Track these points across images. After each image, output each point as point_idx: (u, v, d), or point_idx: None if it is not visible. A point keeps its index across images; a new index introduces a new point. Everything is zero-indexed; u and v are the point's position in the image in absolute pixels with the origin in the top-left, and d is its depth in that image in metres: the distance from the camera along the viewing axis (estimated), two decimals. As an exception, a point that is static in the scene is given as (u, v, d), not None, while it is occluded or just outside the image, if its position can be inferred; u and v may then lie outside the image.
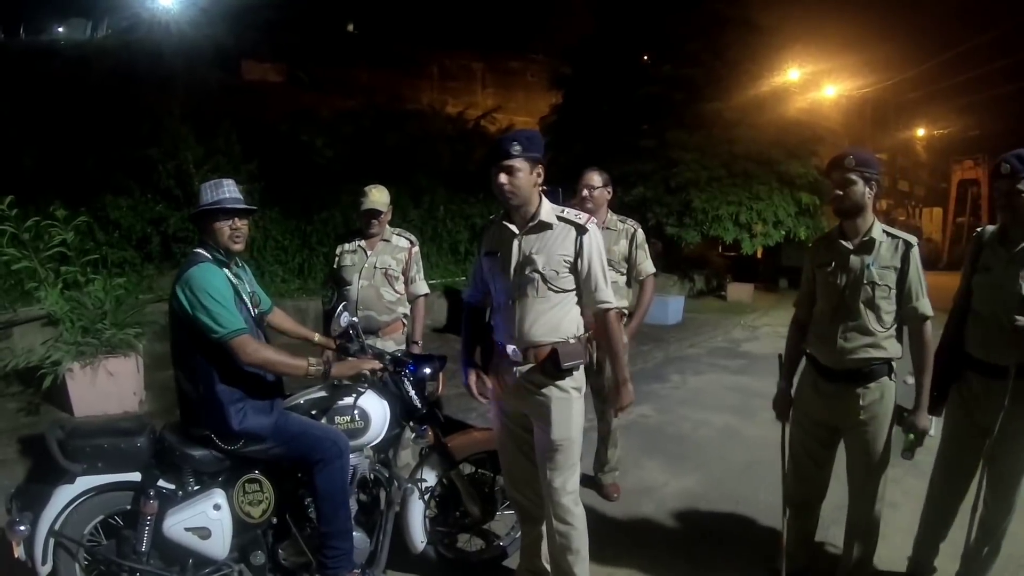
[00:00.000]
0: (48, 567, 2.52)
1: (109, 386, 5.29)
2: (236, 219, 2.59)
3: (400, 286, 3.92)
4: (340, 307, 2.92)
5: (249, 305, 2.64)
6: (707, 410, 6.13)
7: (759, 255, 15.18)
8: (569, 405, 2.60)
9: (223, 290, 2.47)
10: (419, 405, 2.85)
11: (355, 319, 2.90)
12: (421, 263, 4.05)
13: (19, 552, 2.50)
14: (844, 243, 2.79)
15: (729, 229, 12.75)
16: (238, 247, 2.62)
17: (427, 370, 2.94)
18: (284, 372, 2.57)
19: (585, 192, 3.86)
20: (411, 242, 3.99)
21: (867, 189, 2.71)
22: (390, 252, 3.89)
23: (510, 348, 2.64)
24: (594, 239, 2.57)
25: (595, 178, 3.88)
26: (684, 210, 12.86)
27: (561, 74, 15.73)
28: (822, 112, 15.93)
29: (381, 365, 2.75)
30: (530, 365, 2.61)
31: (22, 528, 2.46)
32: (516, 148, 2.47)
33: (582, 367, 2.63)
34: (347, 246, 3.91)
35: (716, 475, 4.59)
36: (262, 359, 2.48)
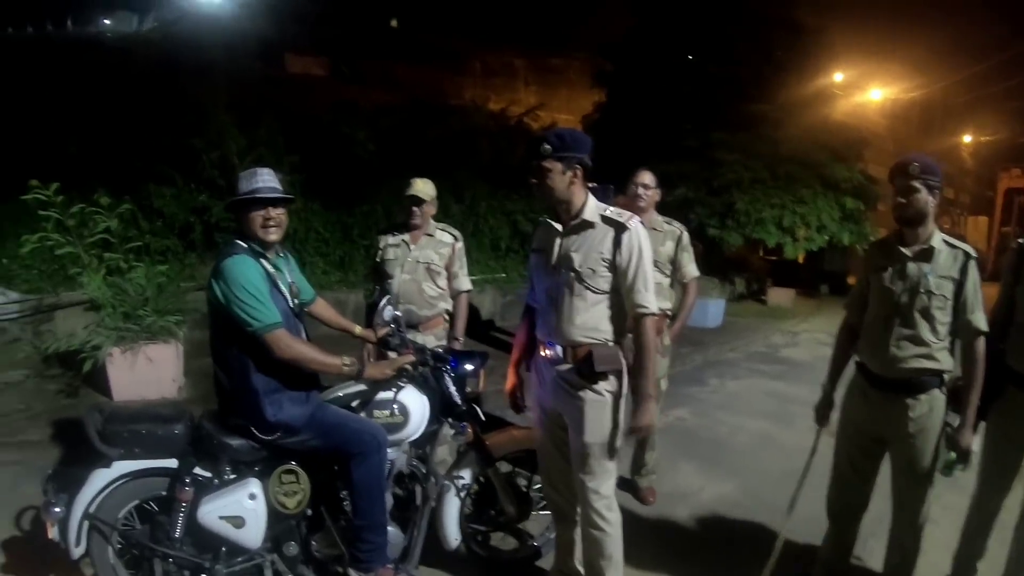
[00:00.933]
0: (81, 549, 2.54)
1: (148, 372, 5.36)
2: (270, 208, 2.52)
3: (443, 281, 3.89)
4: (384, 300, 2.87)
5: (288, 295, 2.60)
6: (744, 415, 6.02)
7: (800, 259, 14.88)
8: (603, 409, 2.52)
9: (257, 282, 2.42)
10: (459, 402, 2.80)
11: (398, 312, 2.86)
12: (464, 259, 4.01)
13: (53, 533, 2.52)
14: (903, 249, 2.68)
15: (772, 232, 12.48)
16: (272, 237, 2.54)
17: (468, 367, 2.88)
18: (318, 369, 2.52)
19: (639, 191, 3.79)
20: (455, 237, 3.95)
21: (930, 198, 2.60)
22: (433, 247, 3.85)
23: (549, 345, 2.60)
24: (636, 238, 2.48)
25: (648, 178, 3.82)
26: (726, 212, 12.61)
27: (603, 72, 15.58)
28: (867, 115, 15.58)
29: (414, 359, 2.70)
30: (568, 365, 2.55)
31: (57, 510, 2.48)
32: (546, 149, 2.43)
33: (624, 371, 2.56)
34: (390, 239, 3.88)
35: (752, 482, 4.49)
36: (296, 354, 2.43)
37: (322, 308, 3.04)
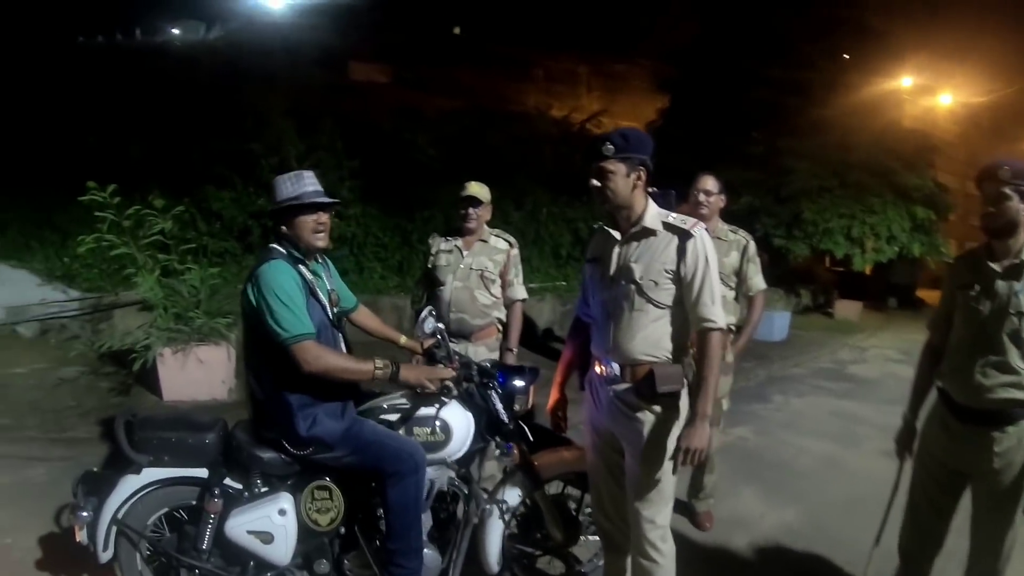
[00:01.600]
0: (109, 554, 2.47)
1: (198, 373, 5.35)
2: (321, 213, 2.42)
3: (496, 289, 3.70)
4: (424, 311, 2.67)
5: (327, 303, 2.46)
6: (809, 436, 5.70)
7: (867, 271, 14.32)
8: (664, 432, 2.30)
9: (291, 291, 2.29)
10: (506, 420, 2.60)
11: (440, 325, 2.65)
12: (520, 267, 3.82)
13: (81, 536, 2.46)
14: (991, 264, 2.36)
15: (840, 243, 12.05)
16: (322, 244, 2.44)
17: (517, 383, 2.67)
18: (350, 379, 2.37)
19: (701, 197, 3.54)
20: (510, 244, 3.76)
21: (1022, 205, 2.28)
22: (487, 253, 3.67)
23: (605, 363, 2.39)
24: (701, 246, 2.26)
25: (711, 183, 3.57)
26: (793, 221, 12.25)
27: (667, 77, 15.32)
28: (936, 122, 14.98)
29: (455, 375, 2.51)
30: (626, 384, 2.34)
31: (84, 514, 2.42)
32: (609, 148, 2.24)
33: (685, 393, 2.33)
34: (443, 244, 3.72)
35: (815, 510, 4.19)
36: (324, 366, 2.27)
37: (365, 316, 2.90)
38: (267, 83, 10.84)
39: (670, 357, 2.30)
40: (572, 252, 11.15)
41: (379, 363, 2.35)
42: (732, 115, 13.16)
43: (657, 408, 2.29)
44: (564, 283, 10.39)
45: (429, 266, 3.75)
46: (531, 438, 2.70)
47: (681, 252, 2.26)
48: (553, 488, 2.88)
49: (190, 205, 8.50)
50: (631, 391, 2.32)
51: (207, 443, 2.45)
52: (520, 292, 3.77)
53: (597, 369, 2.45)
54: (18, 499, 3.88)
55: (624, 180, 2.26)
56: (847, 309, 13.61)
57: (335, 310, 2.54)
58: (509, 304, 3.77)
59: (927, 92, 16.06)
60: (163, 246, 5.78)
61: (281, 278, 2.30)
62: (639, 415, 2.30)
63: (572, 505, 2.92)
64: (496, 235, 3.75)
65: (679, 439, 2.23)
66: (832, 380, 8.18)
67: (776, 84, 12.82)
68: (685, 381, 2.32)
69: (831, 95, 12.73)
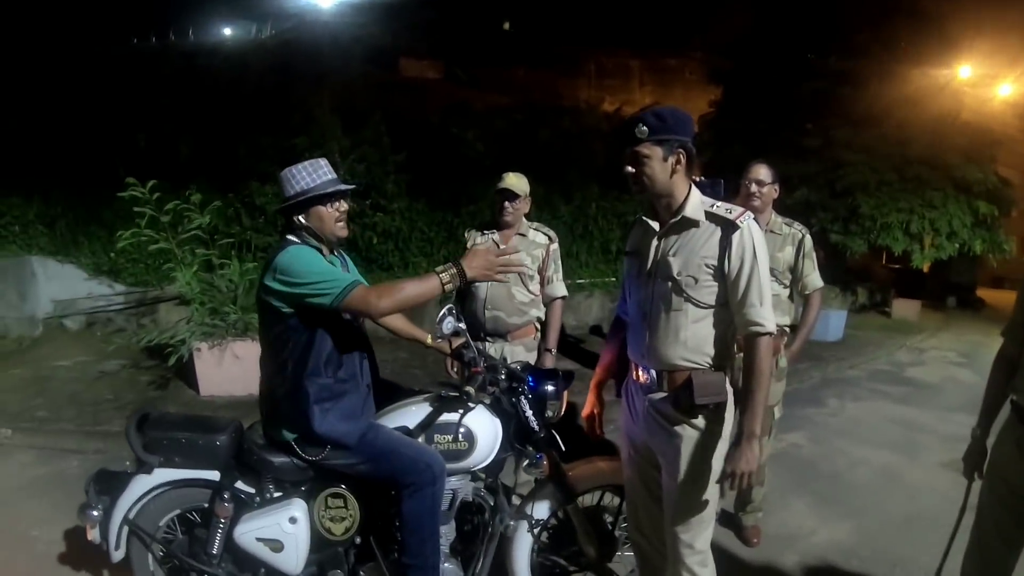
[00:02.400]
0: (121, 553, 2.43)
1: (234, 368, 5.31)
2: (342, 201, 2.32)
3: (535, 286, 3.50)
4: (444, 310, 2.39)
5: None
6: (865, 445, 5.35)
7: (925, 269, 13.72)
8: (706, 450, 2.07)
9: (320, 262, 2.19)
10: (536, 428, 2.41)
11: (461, 324, 2.38)
12: (560, 262, 3.61)
13: (92, 535, 2.42)
14: None
15: (899, 239, 11.52)
16: (345, 233, 2.35)
17: (549, 387, 2.47)
18: (421, 299, 2.17)
19: (753, 188, 3.26)
20: (550, 238, 3.56)
21: None
22: (526, 248, 3.47)
23: (642, 368, 2.17)
24: (749, 239, 2.01)
25: (763, 172, 3.28)
26: (850, 216, 11.73)
27: (720, 69, 14.94)
28: (996, 114, 14.28)
29: (523, 267, 2.37)
30: (662, 393, 2.12)
31: (94, 513, 2.38)
32: (642, 130, 1.99)
33: (731, 404, 2.10)
34: (479, 238, 3.53)
35: (871, 527, 3.89)
36: (392, 301, 2.11)
37: (389, 316, 2.73)
38: (316, 81, 10.91)
39: (712, 364, 2.07)
40: (621, 247, 10.76)
41: (443, 273, 2.14)
42: (786, 107, 12.68)
43: (697, 422, 2.06)
44: (613, 279, 10.18)
45: None
46: (563, 447, 2.49)
47: (725, 245, 2.01)
48: (589, 496, 2.68)
49: (235, 200, 8.57)
50: (668, 401, 2.09)
51: (218, 445, 2.34)
52: (560, 289, 3.57)
53: (633, 375, 2.23)
54: (50, 491, 3.91)
55: (661, 165, 2.02)
56: (905, 308, 13.01)
57: None
58: (548, 302, 3.57)
59: (986, 82, 15.35)
60: (206, 241, 5.78)
61: (307, 254, 2.19)
62: (677, 429, 2.08)
63: (608, 518, 2.70)
64: (536, 229, 3.55)
65: (725, 461, 2.01)
66: (890, 384, 7.76)
67: (831, 75, 12.35)
68: (729, 391, 2.09)
69: (887, 85, 12.16)
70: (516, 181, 3.40)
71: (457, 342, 2.68)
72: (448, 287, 2.13)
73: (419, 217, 9.68)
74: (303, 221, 2.30)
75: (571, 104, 16.20)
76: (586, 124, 13.79)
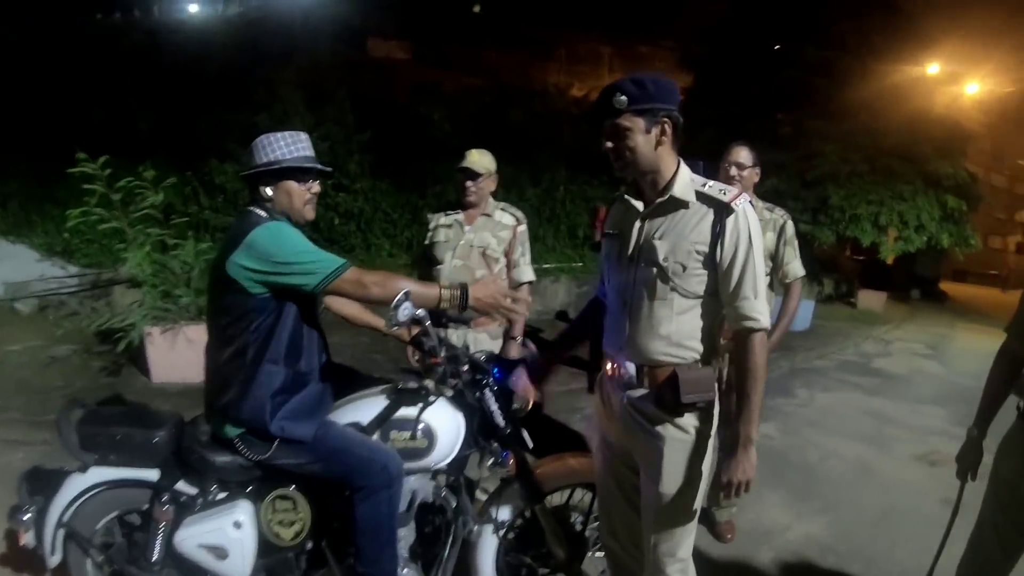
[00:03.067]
0: (57, 558, 2.23)
1: (188, 353, 5.07)
2: (315, 182, 2.17)
3: (500, 270, 3.31)
4: (400, 294, 2.01)
5: None
6: (837, 436, 5.32)
7: (890, 261, 13.90)
8: (688, 451, 1.90)
9: (306, 240, 2.03)
10: (502, 423, 2.23)
11: (420, 312, 2.05)
12: (528, 245, 3.41)
13: (25, 540, 2.23)
14: None
15: (867, 231, 11.64)
16: (312, 216, 2.20)
17: (516, 379, 2.26)
18: (416, 297, 1.99)
19: (733, 171, 3.11)
20: (517, 220, 3.34)
21: None
22: (491, 229, 3.27)
23: (619, 362, 1.98)
24: (744, 225, 1.81)
25: (744, 155, 3.13)
26: (820, 206, 11.84)
27: (693, 55, 14.88)
28: (963, 110, 14.56)
29: (523, 306, 2.23)
30: (643, 390, 1.93)
31: (25, 517, 2.18)
32: (620, 100, 1.78)
33: (717, 402, 1.93)
34: (443, 219, 3.32)
35: (846, 522, 3.82)
36: (386, 292, 1.95)
37: (342, 302, 2.53)
38: (282, 59, 10.69)
39: (699, 358, 1.90)
40: (589, 232, 10.91)
41: (445, 289, 2.05)
42: (759, 95, 12.73)
43: (682, 422, 1.89)
44: (580, 264, 10.15)
45: (426, 242, 3.38)
46: (531, 444, 2.32)
47: (718, 230, 1.81)
48: (558, 494, 2.50)
49: (193, 178, 8.30)
50: (649, 399, 1.91)
51: (156, 442, 2.12)
52: (527, 273, 3.37)
53: (609, 369, 2.05)
54: (-9, 485, 3.66)
55: (644, 137, 1.81)
56: (871, 299, 13.24)
57: None
58: (515, 287, 3.35)
59: (957, 79, 15.60)
60: (160, 220, 5.53)
61: (289, 231, 2.03)
62: (659, 430, 1.89)
63: (578, 518, 2.53)
64: (502, 209, 3.34)
65: (720, 470, 1.86)
66: (858, 375, 7.82)
67: (806, 64, 12.39)
68: (717, 388, 1.92)
69: (861, 78, 12.27)
70: (478, 158, 3.19)
71: (416, 329, 2.47)
72: (445, 305, 2.02)
73: (383, 198, 9.56)
74: (268, 193, 2.10)
75: (541, 88, 16.08)
76: (556, 107, 13.81)
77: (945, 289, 19.08)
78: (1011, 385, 2.15)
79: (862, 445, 5.16)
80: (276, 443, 2.04)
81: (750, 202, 1.87)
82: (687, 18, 19.86)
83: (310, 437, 2.05)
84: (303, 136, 2.15)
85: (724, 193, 1.84)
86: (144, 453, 2.14)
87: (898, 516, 3.86)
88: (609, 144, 1.86)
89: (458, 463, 2.30)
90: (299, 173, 2.11)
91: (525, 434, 2.31)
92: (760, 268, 1.83)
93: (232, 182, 8.47)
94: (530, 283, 3.39)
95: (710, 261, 1.83)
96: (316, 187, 2.16)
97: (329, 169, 2.22)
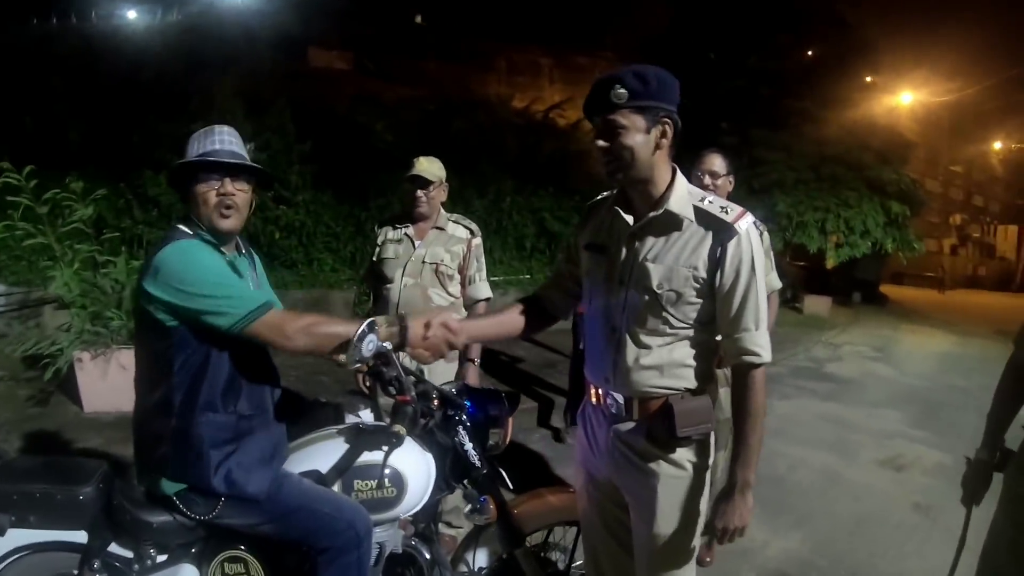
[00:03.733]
0: None
1: (121, 380, 4.72)
2: (228, 181, 1.77)
3: (455, 287, 3.09)
4: (364, 326, 1.70)
5: None
6: (801, 445, 5.29)
7: (829, 266, 14.21)
8: (685, 489, 1.73)
9: (220, 267, 1.73)
10: (478, 464, 1.99)
11: (386, 345, 1.79)
12: (483, 259, 3.21)
13: None
14: None
15: (814, 237, 11.85)
16: (227, 224, 1.80)
17: (492, 412, 2.06)
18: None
19: (707, 180, 2.92)
20: (471, 232, 3.14)
21: None
22: (444, 243, 3.05)
23: (604, 393, 1.80)
24: (747, 249, 1.63)
25: (718, 163, 2.96)
26: (767, 215, 11.88)
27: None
28: (899, 119, 15.15)
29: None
30: (632, 424, 1.76)
31: None
32: (620, 94, 1.57)
33: (714, 435, 1.76)
34: (391, 233, 3.09)
35: (822, 533, 3.77)
36: (313, 340, 1.70)
37: None
38: (221, 67, 10.40)
39: (694, 388, 1.72)
40: (537, 244, 10.84)
41: (382, 327, 1.75)
42: (704, 104, 12.81)
43: (677, 457, 1.72)
44: (528, 276, 10.03)
45: (374, 259, 3.14)
46: (510, 484, 2.11)
47: (718, 255, 1.63)
48: (538, 532, 2.30)
49: (126, 191, 7.89)
50: (639, 432, 1.74)
51: (81, 500, 1.81)
52: (484, 290, 3.17)
53: (594, 399, 1.86)
54: None
55: (643, 138, 1.61)
56: (816, 304, 13.46)
57: None
58: (470, 305, 3.15)
59: (894, 88, 16.19)
60: (90, 235, 5.17)
61: (199, 253, 1.71)
62: (652, 466, 1.72)
63: (560, 556, 2.35)
64: (455, 221, 3.13)
65: (713, 514, 1.68)
66: (813, 380, 7.91)
67: (750, 73, 12.61)
68: (714, 420, 1.74)
69: (805, 87, 12.57)
70: (428, 166, 2.98)
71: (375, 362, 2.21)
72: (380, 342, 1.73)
73: (325, 210, 9.33)
74: (186, 206, 1.82)
75: (482, 98, 16.04)
76: (499, 117, 13.70)
77: (885, 292, 19.59)
78: (1023, 399, 2.03)
79: (827, 453, 5.16)
80: (222, 501, 1.76)
81: (754, 223, 1.70)
82: (627, 29, 20.10)
83: (263, 494, 1.76)
84: (218, 129, 1.84)
85: (726, 212, 1.65)
86: (68, 513, 1.83)
87: (873, 524, 3.87)
88: (602, 142, 1.64)
89: (429, 509, 2.07)
90: (200, 172, 1.77)
91: (503, 474, 2.10)
92: (762, 297, 1.66)
93: (166, 194, 8.07)
94: (487, 300, 3.19)
95: (707, 288, 1.66)
96: (228, 186, 1.77)
97: (235, 163, 1.79)
